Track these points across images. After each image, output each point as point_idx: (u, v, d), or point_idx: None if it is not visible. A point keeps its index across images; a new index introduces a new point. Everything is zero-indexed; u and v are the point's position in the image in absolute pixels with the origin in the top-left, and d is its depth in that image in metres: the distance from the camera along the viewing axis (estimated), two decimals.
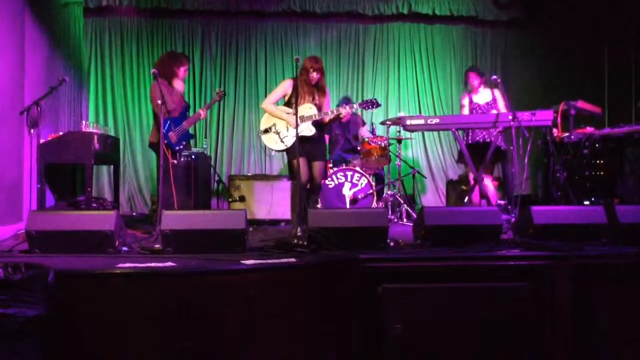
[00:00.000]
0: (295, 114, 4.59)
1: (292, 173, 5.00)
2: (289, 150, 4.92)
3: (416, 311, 3.30)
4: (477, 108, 5.79)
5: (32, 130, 4.86)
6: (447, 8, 8.41)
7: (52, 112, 6.12)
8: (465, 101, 5.98)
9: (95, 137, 5.37)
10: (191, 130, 5.35)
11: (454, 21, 8.65)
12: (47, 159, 5.19)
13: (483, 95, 5.90)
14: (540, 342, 3.41)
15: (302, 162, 4.83)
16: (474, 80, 5.92)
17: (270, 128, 4.95)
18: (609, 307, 3.47)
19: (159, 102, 4.75)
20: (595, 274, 3.48)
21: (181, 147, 5.19)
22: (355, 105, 5.15)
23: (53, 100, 5.98)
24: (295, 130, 4.74)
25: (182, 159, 6.63)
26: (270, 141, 4.96)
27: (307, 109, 4.84)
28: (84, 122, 5.81)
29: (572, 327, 3.43)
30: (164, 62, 5.27)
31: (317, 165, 4.94)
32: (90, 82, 8.01)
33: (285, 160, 6.39)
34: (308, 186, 4.97)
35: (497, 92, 5.84)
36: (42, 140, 5.06)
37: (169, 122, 5.03)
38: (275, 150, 5.03)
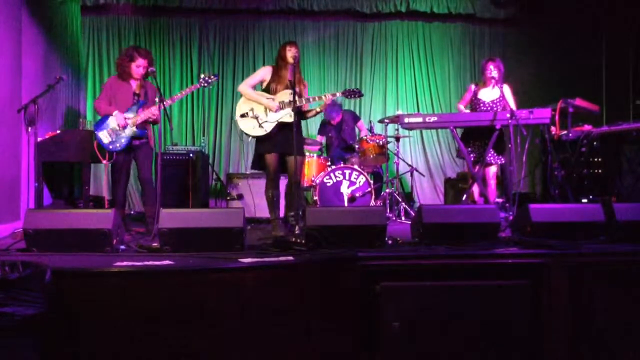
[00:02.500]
0: (294, 103, 4.52)
1: (260, 165, 4.89)
2: (262, 140, 4.78)
3: (414, 309, 3.30)
4: (482, 105, 5.67)
5: (29, 128, 4.84)
6: (445, 6, 8.44)
7: (49, 110, 6.12)
8: (469, 92, 5.77)
9: (93, 135, 5.36)
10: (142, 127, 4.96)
11: (452, 19, 8.67)
12: (45, 157, 5.18)
13: (491, 92, 5.63)
14: (539, 339, 3.41)
15: (273, 157, 4.77)
16: (491, 72, 5.53)
17: (247, 113, 4.78)
18: (606, 304, 3.47)
19: (102, 101, 4.86)
20: (593, 271, 3.48)
21: (117, 147, 4.85)
22: (337, 94, 4.95)
23: (50, 99, 5.97)
24: (274, 115, 4.69)
25: (180, 157, 6.66)
26: (247, 127, 4.76)
27: (287, 95, 4.68)
28: (81, 120, 5.81)
29: (570, 324, 3.44)
30: (118, 57, 5.15)
31: (292, 161, 4.73)
32: (88, 80, 8.02)
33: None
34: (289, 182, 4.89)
35: (506, 89, 5.57)
36: (39, 139, 5.04)
37: (102, 121, 4.90)
38: (252, 136, 4.81)
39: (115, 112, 4.84)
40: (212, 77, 5.05)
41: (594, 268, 3.50)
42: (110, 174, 5.04)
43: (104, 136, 4.85)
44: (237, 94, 8.16)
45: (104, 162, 4.97)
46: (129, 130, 4.84)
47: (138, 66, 4.91)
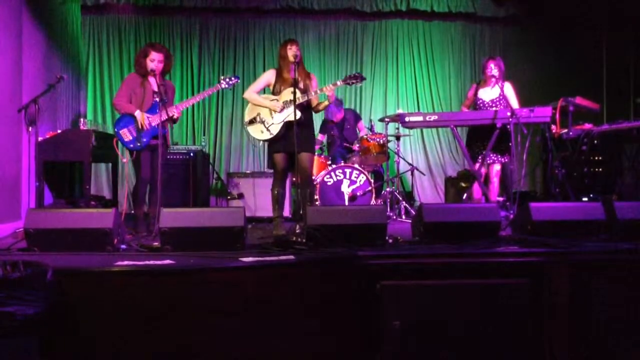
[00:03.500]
0: (294, 102, 4.52)
1: (273, 166, 4.87)
2: (272, 141, 4.80)
3: (415, 308, 3.29)
4: (481, 104, 5.67)
5: (30, 128, 4.85)
6: (445, 5, 8.44)
7: (50, 109, 6.12)
8: (471, 93, 5.79)
9: (94, 134, 5.37)
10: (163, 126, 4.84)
11: (452, 18, 8.67)
12: (45, 157, 5.18)
13: (490, 92, 5.62)
14: (539, 338, 3.41)
15: (281, 156, 4.77)
16: (491, 71, 5.51)
17: (255, 118, 4.81)
18: (607, 303, 3.47)
19: (122, 98, 4.82)
20: (594, 270, 3.48)
21: (137, 145, 4.82)
22: (338, 82, 4.91)
23: (51, 98, 5.96)
24: (280, 115, 4.70)
25: (181, 157, 6.67)
26: (256, 131, 4.80)
27: (290, 93, 4.61)
28: (82, 119, 5.81)
29: (571, 323, 3.43)
30: (136, 55, 5.10)
31: (303, 157, 4.72)
32: (88, 79, 8.03)
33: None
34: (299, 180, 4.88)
35: (508, 87, 5.57)
36: (40, 138, 5.05)
37: (122, 119, 4.85)
38: (262, 140, 4.86)
39: (137, 112, 4.80)
40: (232, 78, 5.06)
41: (595, 266, 3.49)
42: (133, 172, 5.01)
43: (124, 134, 4.83)
44: (237, 93, 8.19)
45: (124, 160, 4.97)
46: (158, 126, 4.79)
47: (152, 60, 4.84)
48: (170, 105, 4.89)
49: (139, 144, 4.83)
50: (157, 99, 4.79)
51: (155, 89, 4.89)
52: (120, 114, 4.91)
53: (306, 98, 4.74)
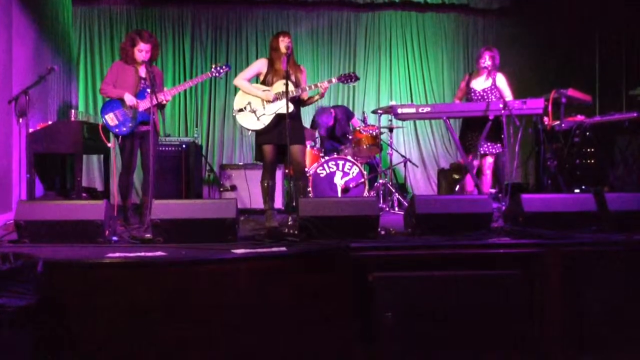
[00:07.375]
0: (287, 94, 4.51)
1: (260, 156, 4.87)
2: (260, 133, 4.79)
3: (407, 299, 3.30)
4: (473, 94, 5.65)
5: (20, 119, 4.81)
6: None
7: (41, 101, 6.07)
8: (464, 83, 5.75)
9: (85, 126, 5.33)
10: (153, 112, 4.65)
11: (446, 9, 8.67)
12: (36, 149, 5.15)
13: (483, 82, 5.58)
14: (531, 328, 3.43)
15: (270, 148, 4.77)
16: (485, 61, 5.47)
17: (245, 107, 4.80)
18: (598, 294, 3.49)
19: (108, 84, 4.73)
20: (585, 261, 3.50)
21: (123, 130, 4.74)
22: (333, 79, 4.91)
23: (42, 89, 5.92)
24: (272, 106, 4.69)
25: (173, 148, 6.64)
26: (246, 121, 4.78)
27: (283, 85, 4.59)
28: (73, 111, 5.76)
29: (562, 313, 3.45)
30: (122, 41, 5.00)
31: (295, 149, 4.73)
32: (80, 71, 7.98)
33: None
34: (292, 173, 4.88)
35: (500, 78, 5.54)
36: (31, 130, 5.02)
37: (109, 104, 4.77)
38: (252, 130, 4.81)
39: (126, 94, 4.70)
40: (223, 67, 4.98)
41: (586, 258, 3.51)
42: (120, 159, 4.93)
43: (110, 119, 4.74)
44: (230, 85, 8.15)
45: (109, 145, 4.89)
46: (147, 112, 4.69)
47: (140, 50, 4.74)
48: (159, 91, 4.78)
49: (124, 129, 4.74)
50: (146, 86, 4.72)
51: (143, 75, 4.82)
52: (108, 99, 4.81)
53: (299, 92, 4.75)
